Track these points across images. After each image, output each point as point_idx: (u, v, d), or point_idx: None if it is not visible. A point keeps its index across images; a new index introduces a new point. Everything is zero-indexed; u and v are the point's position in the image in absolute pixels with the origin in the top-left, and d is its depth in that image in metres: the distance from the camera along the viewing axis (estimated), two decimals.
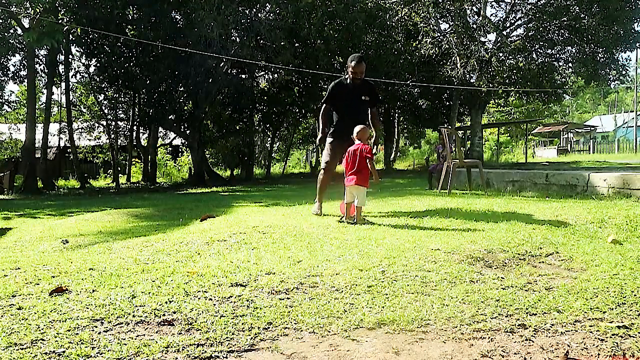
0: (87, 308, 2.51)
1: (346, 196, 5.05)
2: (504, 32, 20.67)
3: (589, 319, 2.32)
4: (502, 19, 21.97)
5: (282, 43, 19.76)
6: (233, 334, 2.20)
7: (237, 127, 25.21)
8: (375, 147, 5.48)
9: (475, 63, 19.04)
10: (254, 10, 20.91)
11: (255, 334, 2.19)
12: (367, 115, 5.54)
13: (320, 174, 5.69)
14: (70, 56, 24.21)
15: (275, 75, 25.11)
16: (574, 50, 22.12)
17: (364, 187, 4.93)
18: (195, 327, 2.28)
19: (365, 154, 4.91)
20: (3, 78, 22.93)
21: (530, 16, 20.58)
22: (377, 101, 5.70)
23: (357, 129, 5.08)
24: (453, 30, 19.58)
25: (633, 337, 2.12)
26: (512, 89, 22.48)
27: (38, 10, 16.06)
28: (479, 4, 19.84)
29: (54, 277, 3.16)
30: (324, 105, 5.64)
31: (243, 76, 24.19)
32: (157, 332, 2.23)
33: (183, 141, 27.25)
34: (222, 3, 17.66)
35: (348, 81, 5.45)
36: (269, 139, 29.88)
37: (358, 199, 4.93)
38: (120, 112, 27.25)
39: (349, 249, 3.87)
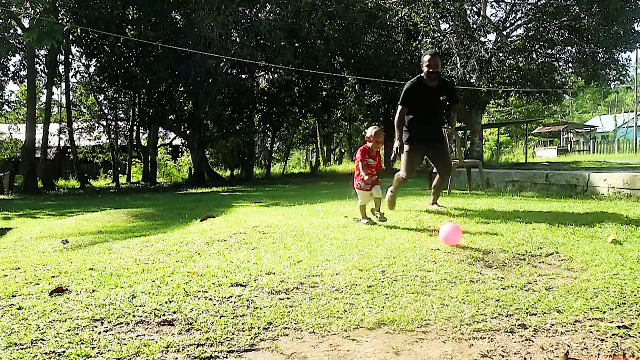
0: (87, 308, 2.51)
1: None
2: (504, 32, 20.66)
3: (589, 319, 2.32)
4: (502, 19, 21.98)
5: (282, 43, 19.75)
6: (233, 334, 2.20)
7: (237, 127, 25.20)
8: (477, 136, 5.72)
9: (475, 63, 19.04)
10: (254, 10, 20.90)
11: (255, 334, 2.20)
12: (442, 117, 5.26)
13: (398, 181, 5.30)
14: (70, 56, 24.22)
15: (275, 75, 25.11)
16: (574, 50, 22.11)
17: (355, 188, 4.92)
18: (195, 327, 2.28)
19: (355, 157, 4.89)
20: (3, 78, 22.93)
21: (530, 16, 20.58)
22: (457, 97, 5.28)
23: (368, 129, 4.81)
24: (453, 30, 19.57)
25: (633, 337, 2.12)
26: (512, 89, 22.47)
27: (38, 10, 16.07)
28: (479, 4, 19.83)
29: (54, 277, 3.16)
30: (400, 107, 5.16)
31: (243, 76, 24.18)
32: (157, 332, 2.23)
33: (183, 141, 27.24)
34: (222, 3, 17.65)
35: (425, 80, 5.04)
36: (269, 139, 29.88)
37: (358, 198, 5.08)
38: (120, 112, 27.24)
39: (349, 249, 3.87)
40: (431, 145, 5.15)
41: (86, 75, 26.28)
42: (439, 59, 5.00)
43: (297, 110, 26.58)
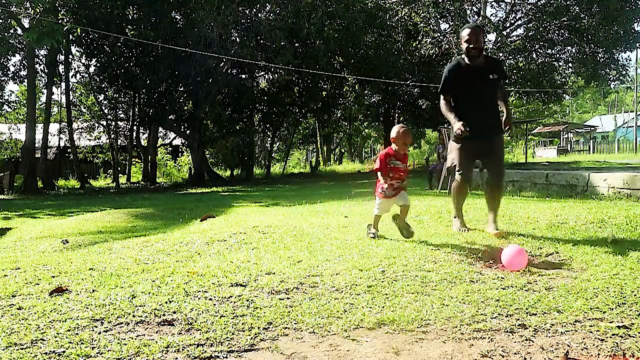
0: (87, 308, 2.51)
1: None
2: (504, 32, 20.66)
3: (589, 319, 2.32)
4: (502, 19, 21.98)
5: (282, 43, 19.75)
6: (233, 334, 2.20)
7: (237, 127, 25.20)
8: (509, 130, 4.17)
9: None
10: (254, 10, 20.90)
11: (255, 334, 2.20)
12: (496, 102, 4.26)
13: (454, 182, 4.39)
14: (70, 56, 24.21)
15: (275, 75, 25.10)
16: (574, 50, 22.12)
17: (377, 195, 4.24)
18: (195, 327, 2.28)
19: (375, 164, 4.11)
20: (3, 78, 22.93)
21: (530, 16, 20.58)
22: (506, 77, 4.61)
23: (393, 129, 4.05)
24: (453, 30, 19.57)
25: (633, 337, 2.12)
26: (512, 89, 22.47)
27: (38, 10, 16.07)
28: (479, 4, 19.84)
29: (54, 277, 3.16)
30: (442, 97, 4.36)
31: (243, 76, 24.18)
32: (157, 332, 2.23)
33: (183, 141, 27.24)
34: (222, 3, 17.66)
35: (466, 60, 4.20)
36: (269, 139, 29.88)
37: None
38: (120, 112, 27.23)
39: (349, 249, 3.87)
40: (488, 139, 4.15)
41: (86, 75, 26.28)
42: (481, 32, 4.15)
43: (297, 110, 26.59)
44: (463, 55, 4.27)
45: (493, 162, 4.27)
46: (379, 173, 4.09)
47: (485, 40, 4.56)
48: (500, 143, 4.28)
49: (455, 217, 4.49)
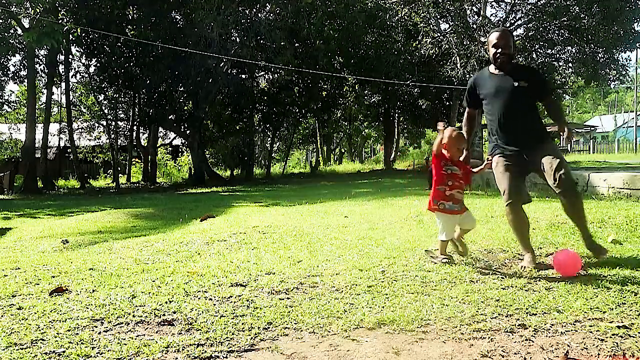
0: (87, 308, 2.51)
1: None
2: None
3: (589, 319, 2.32)
4: (502, 19, 21.96)
5: (282, 43, 19.75)
6: (233, 334, 2.20)
7: (237, 127, 25.20)
8: (569, 141, 4.34)
9: (475, 63, 19.03)
10: (254, 10, 20.90)
11: (255, 334, 2.20)
12: (533, 111, 3.66)
13: (507, 212, 3.59)
14: (70, 56, 24.20)
15: (275, 75, 25.10)
16: (574, 50, 22.10)
17: (434, 211, 3.42)
18: (195, 327, 2.28)
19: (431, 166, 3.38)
20: (3, 78, 22.91)
21: (530, 16, 20.56)
22: (547, 88, 3.88)
23: (448, 133, 3.44)
24: (453, 30, 19.57)
25: (633, 337, 2.12)
26: None
27: (38, 10, 16.05)
28: (479, 4, 19.83)
29: (54, 277, 3.16)
30: (465, 111, 4.00)
31: (243, 76, 24.18)
32: (157, 332, 2.23)
33: (183, 141, 27.24)
34: (222, 3, 17.65)
35: (493, 69, 3.72)
36: (269, 139, 29.88)
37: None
38: (120, 112, 27.23)
39: (349, 249, 3.87)
40: (529, 151, 3.56)
41: (86, 75, 26.26)
42: (510, 36, 3.69)
43: (297, 110, 26.58)
44: (491, 61, 3.77)
45: (548, 165, 3.43)
46: (435, 177, 3.33)
47: (515, 46, 3.83)
48: (548, 147, 3.58)
49: (524, 253, 3.49)
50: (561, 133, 3.55)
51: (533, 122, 3.65)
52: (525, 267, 3.29)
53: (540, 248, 3.75)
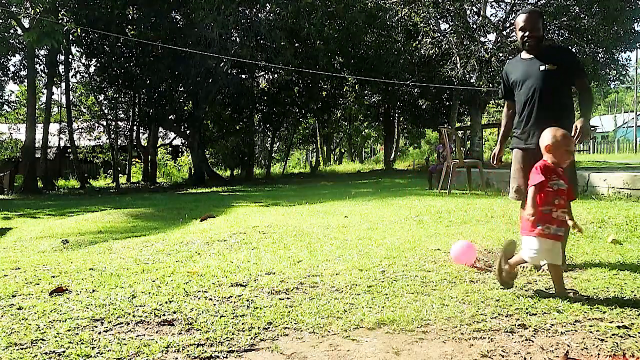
0: (87, 308, 2.51)
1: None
2: (504, 32, 20.66)
3: (589, 319, 2.32)
4: (502, 19, 21.98)
5: (282, 43, 19.74)
6: (233, 334, 2.20)
7: (237, 127, 25.20)
8: (586, 138, 3.09)
9: (475, 63, 19.03)
10: (254, 10, 20.89)
11: (255, 334, 2.20)
12: (563, 98, 3.28)
13: (521, 211, 3.13)
14: (70, 56, 24.19)
15: (275, 75, 25.09)
16: (574, 50, 22.13)
17: (537, 236, 2.63)
18: (195, 327, 2.28)
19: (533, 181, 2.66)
20: (3, 78, 22.91)
21: None
22: (578, 69, 3.35)
23: (544, 134, 2.79)
24: (453, 30, 19.57)
25: (633, 337, 2.12)
26: None
27: (38, 10, 16.04)
28: (479, 4, 19.83)
29: (54, 277, 3.16)
30: (504, 104, 3.70)
31: (243, 76, 24.18)
32: (157, 332, 2.23)
33: (183, 141, 27.23)
34: (222, 3, 17.64)
35: (524, 54, 3.42)
36: (269, 139, 29.87)
37: (546, 258, 2.69)
38: (120, 112, 27.22)
39: (349, 249, 3.87)
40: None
41: (86, 75, 26.26)
42: (538, 17, 3.36)
43: (297, 110, 26.58)
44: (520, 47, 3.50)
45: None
46: (533, 194, 2.63)
47: (544, 27, 3.36)
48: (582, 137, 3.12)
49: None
50: (574, 127, 3.06)
51: (559, 113, 3.20)
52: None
53: None
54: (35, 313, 2.44)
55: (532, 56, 3.34)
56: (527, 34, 3.30)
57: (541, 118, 3.21)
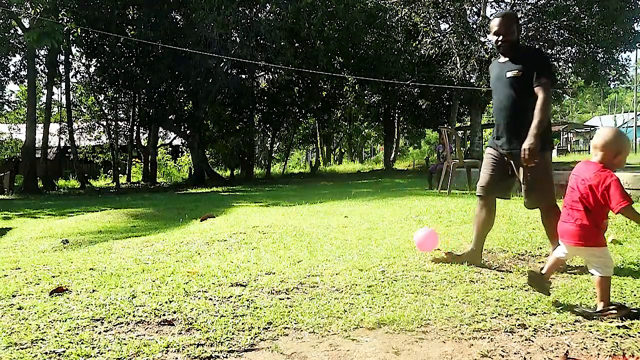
0: (87, 308, 2.51)
1: (555, 252, 2.62)
2: None
3: (589, 319, 2.32)
4: None
5: (282, 43, 19.75)
6: (233, 334, 2.20)
7: (237, 127, 25.20)
8: (530, 161, 3.03)
9: (475, 63, 19.03)
10: (254, 10, 20.89)
11: (255, 334, 2.20)
12: (525, 107, 3.16)
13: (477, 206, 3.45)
14: (71, 56, 24.19)
15: (275, 75, 25.10)
16: (573, 50, 22.12)
17: (596, 247, 2.43)
18: (195, 327, 2.28)
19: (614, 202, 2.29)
20: (3, 78, 22.91)
21: (530, 16, 20.58)
22: (540, 71, 3.15)
23: (599, 136, 2.51)
24: (453, 30, 19.57)
25: (633, 337, 2.12)
26: None
27: (38, 10, 16.05)
28: (479, 4, 19.84)
29: (54, 277, 3.16)
30: None
31: (243, 76, 24.18)
32: (157, 332, 2.23)
33: (183, 141, 27.24)
34: (222, 3, 17.64)
35: (501, 58, 3.42)
36: (269, 139, 29.88)
37: (594, 266, 2.43)
38: (120, 112, 27.23)
39: (349, 249, 3.87)
40: (509, 149, 3.24)
41: (86, 75, 26.26)
42: (512, 20, 3.30)
43: (297, 110, 26.59)
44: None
45: (522, 177, 3.22)
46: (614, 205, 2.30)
47: (519, 30, 3.27)
48: (526, 158, 3.06)
49: (472, 247, 3.41)
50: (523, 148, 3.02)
51: (521, 120, 3.15)
52: (460, 256, 3.35)
53: (540, 248, 3.75)
54: (35, 313, 2.44)
55: (507, 59, 3.32)
56: (500, 38, 3.28)
57: (510, 126, 3.24)
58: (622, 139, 2.46)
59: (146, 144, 26.68)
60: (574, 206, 2.47)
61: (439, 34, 20.08)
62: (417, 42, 20.11)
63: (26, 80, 21.37)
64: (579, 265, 3.23)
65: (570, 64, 22.94)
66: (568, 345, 2.05)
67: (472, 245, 3.41)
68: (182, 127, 23.21)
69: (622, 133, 2.51)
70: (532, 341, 2.11)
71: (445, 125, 8.77)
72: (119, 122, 27.27)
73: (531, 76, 3.14)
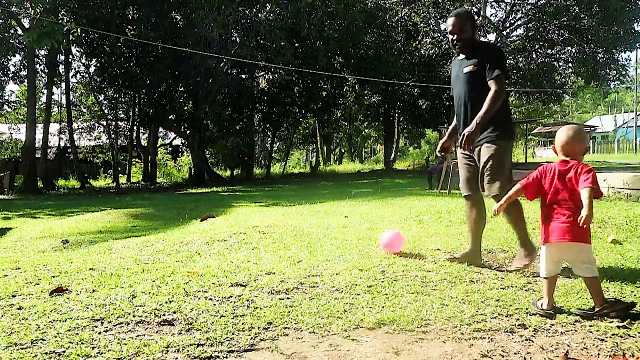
0: (87, 308, 2.51)
1: (547, 261, 2.52)
2: (504, 32, 20.67)
3: (589, 319, 2.32)
4: (502, 19, 21.99)
5: (282, 43, 19.75)
6: (233, 334, 2.20)
7: (237, 127, 25.20)
8: (468, 143, 3.14)
9: None
10: (254, 10, 20.90)
11: (255, 334, 2.19)
12: (482, 98, 3.15)
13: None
14: (70, 56, 24.20)
15: (275, 75, 25.10)
16: (573, 50, 22.14)
17: (586, 243, 2.46)
18: (195, 327, 2.28)
19: (585, 181, 2.40)
20: (3, 78, 22.91)
21: (530, 16, 20.59)
22: (492, 64, 3.19)
23: (561, 133, 2.58)
24: None
25: (633, 337, 2.12)
26: (512, 89, 22.47)
27: (38, 10, 16.05)
28: (479, 4, 19.84)
29: (54, 277, 3.16)
30: None
31: (243, 76, 24.18)
32: (157, 332, 2.23)
33: (183, 141, 27.24)
34: (222, 3, 17.65)
35: (460, 55, 3.46)
36: (269, 139, 29.87)
37: (584, 265, 2.45)
38: (120, 112, 27.23)
39: (349, 249, 3.87)
40: (471, 147, 3.27)
41: (86, 76, 26.26)
42: (465, 18, 3.33)
43: (297, 110, 26.59)
44: None
45: (480, 172, 3.32)
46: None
47: (474, 27, 3.22)
48: (484, 151, 3.25)
49: (470, 247, 3.44)
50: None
51: (470, 114, 3.24)
52: (459, 257, 3.36)
53: (540, 248, 3.75)
54: (35, 313, 2.44)
55: (463, 57, 3.38)
56: (455, 37, 3.32)
57: (470, 120, 3.22)
58: (572, 135, 2.53)
59: (146, 144, 26.67)
60: (563, 204, 2.47)
61: (439, 34, 20.08)
62: (417, 42, 20.12)
63: (26, 80, 21.36)
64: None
65: (570, 64, 22.95)
66: (568, 345, 2.05)
67: (470, 246, 3.43)
68: (182, 127, 23.21)
69: (569, 129, 2.58)
70: (532, 341, 2.11)
71: (445, 125, 8.79)
72: (119, 122, 27.27)
73: (483, 71, 3.19)
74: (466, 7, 3.14)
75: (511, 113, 3.29)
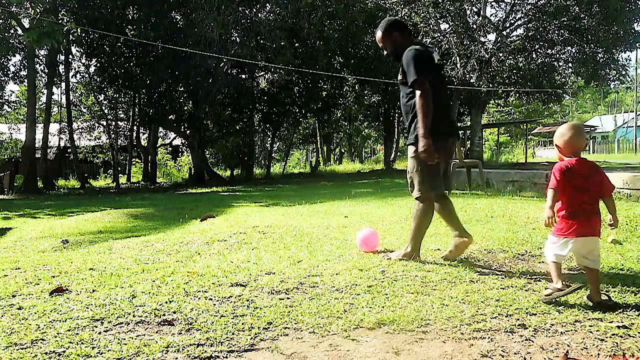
0: (87, 308, 2.51)
1: (564, 251, 2.59)
2: (504, 32, 20.68)
3: (589, 319, 2.32)
4: (502, 19, 21.99)
5: (282, 43, 19.75)
6: (233, 334, 2.20)
7: (237, 127, 25.18)
8: (425, 156, 3.25)
9: (475, 63, 19.04)
10: (254, 10, 20.90)
11: (255, 334, 2.20)
12: (412, 105, 3.31)
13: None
14: (70, 56, 24.19)
15: (275, 75, 25.09)
16: (573, 50, 22.13)
17: (599, 237, 2.63)
18: (195, 327, 2.28)
19: (608, 187, 2.63)
20: (3, 78, 22.90)
21: (530, 16, 20.59)
22: (408, 73, 3.26)
23: (563, 133, 2.65)
24: (453, 30, 19.59)
25: (633, 337, 2.12)
26: (512, 89, 22.48)
27: (38, 10, 16.04)
28: (479, 4, 19.84)
29: (54, 277, 3.16)
30: None
31: (243, 76, 24.17)
32: (157, 332, 2.23)
33: (183, 141, 27.23)
34: (222, 3, 17.64)
35: None
36: (269, 139, 29.86)
37: (594, 258, 2.56)
38: (120, 112, 27.22)
39: (349, 249, 3.87)
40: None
41: (86, 76, 26.25)
42: (386, 33, 3.46)
43: (297, 110, 26.57)
44: None
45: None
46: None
47: (400, 35, 3.41)
48: (411, 151, 3.45)
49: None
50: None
51: (413, 120, 3.33)
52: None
53: (540, 248, 3.75)
54: (35, 313, 2.44)
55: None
56: (384, 52, 3.53)
57: (409, 127, 3.40)
58: (575, 133, 2.65)
59: (146, 144, 26.67)
60: (587, 201, 2.59)
61: (439, 34, 20.09)
62: None
63: (26, 80, 21.35)
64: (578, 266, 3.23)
65: (570, 64, 22.94)
66: (568, 345, 2.05)
67: (453, 234, 3.47)
68: (182, 127, 23.20)
69: (569, 128, 2.67)
70: (532, 341, 2.11)
71: None
72: (119, 122, 27.26)
73: (405, 78, 3.30)
74: (388, 19, 3.22)
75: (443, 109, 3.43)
